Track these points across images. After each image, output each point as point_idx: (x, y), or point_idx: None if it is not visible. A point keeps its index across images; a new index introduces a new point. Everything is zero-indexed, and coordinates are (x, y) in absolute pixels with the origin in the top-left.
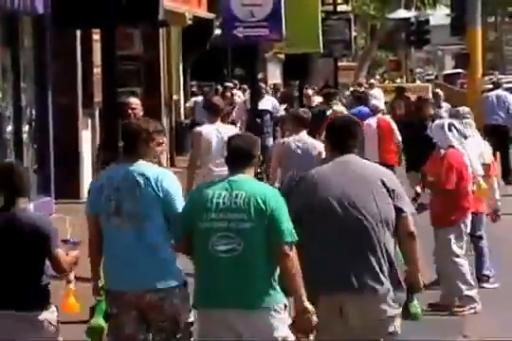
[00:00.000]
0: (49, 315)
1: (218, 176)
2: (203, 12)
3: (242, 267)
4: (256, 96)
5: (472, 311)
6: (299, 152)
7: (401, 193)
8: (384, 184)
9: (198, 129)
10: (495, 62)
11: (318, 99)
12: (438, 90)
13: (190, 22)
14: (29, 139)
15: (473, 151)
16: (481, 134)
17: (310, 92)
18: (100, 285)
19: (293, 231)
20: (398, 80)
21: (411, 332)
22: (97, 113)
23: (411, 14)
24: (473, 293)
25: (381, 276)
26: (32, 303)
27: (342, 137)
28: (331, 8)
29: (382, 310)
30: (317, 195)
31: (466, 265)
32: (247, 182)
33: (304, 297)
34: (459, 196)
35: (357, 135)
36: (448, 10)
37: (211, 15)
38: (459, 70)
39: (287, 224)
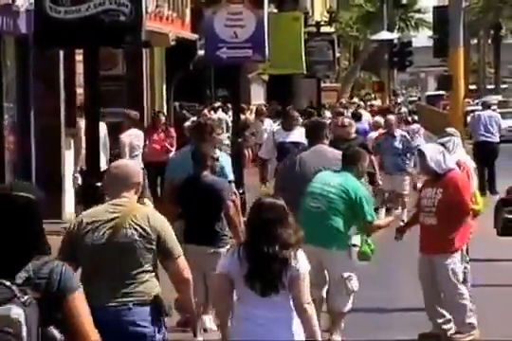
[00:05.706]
0: (224, 250)
1: None
2: (186, 33)
3: (324, 220)
4: (238, 116)
5: (471, 337)
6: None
7: None
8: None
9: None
10: (478, 84)
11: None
12: (391, 116)
13: (173, 42)
14: (11, 158)
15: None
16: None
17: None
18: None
19: (373, 213)
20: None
21: None
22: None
23: (393, 36)
24: (474, 320)
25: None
26: (214, 241)
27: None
28: (314, 29)
29: None
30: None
31: (467, 291)
32: (347, 175)
33: None
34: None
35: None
36: (430, 32)
37: (195, 36)
38: (441, 92)
39: (369, 208)
